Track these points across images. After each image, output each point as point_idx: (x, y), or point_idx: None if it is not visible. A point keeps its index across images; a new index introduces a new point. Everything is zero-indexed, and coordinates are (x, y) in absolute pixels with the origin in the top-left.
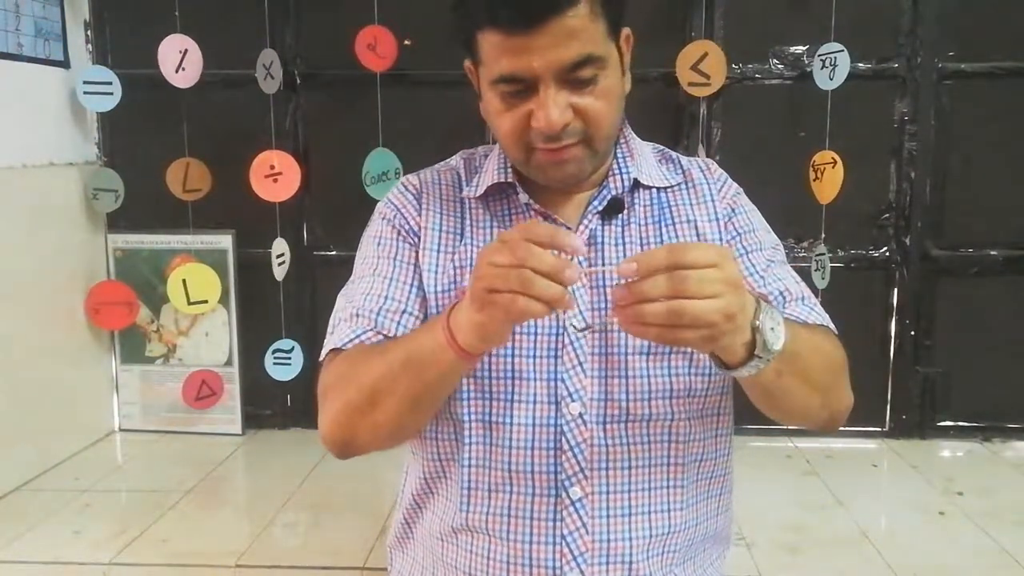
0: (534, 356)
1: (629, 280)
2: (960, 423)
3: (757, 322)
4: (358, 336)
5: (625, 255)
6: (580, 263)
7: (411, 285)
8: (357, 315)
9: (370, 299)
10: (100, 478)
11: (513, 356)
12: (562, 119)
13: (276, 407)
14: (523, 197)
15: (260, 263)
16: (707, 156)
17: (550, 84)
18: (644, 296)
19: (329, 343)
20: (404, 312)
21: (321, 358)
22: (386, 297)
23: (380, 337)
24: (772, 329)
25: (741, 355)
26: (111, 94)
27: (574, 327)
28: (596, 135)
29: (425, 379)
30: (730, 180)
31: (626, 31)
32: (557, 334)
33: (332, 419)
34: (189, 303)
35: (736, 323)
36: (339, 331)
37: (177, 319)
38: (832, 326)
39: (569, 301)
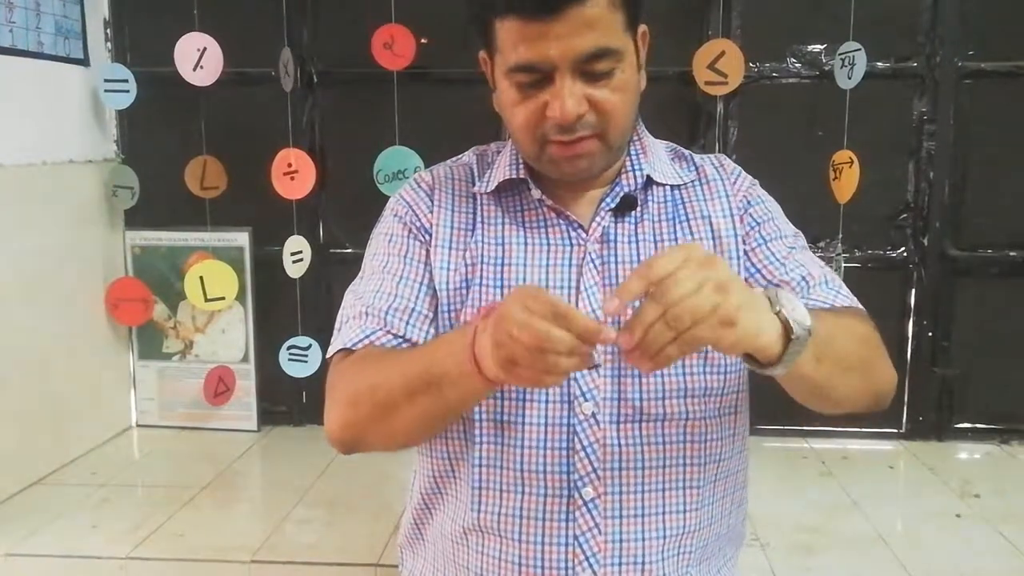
0: None
1: (619, 318)
2: (977, 425)
3: (778, 307)
4: (367, 336)
5: (638, 252)
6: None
7: (421, 283)
8: (366, 313)
9: (380, 297)
10: (117, 473)
11: None
12: (577, 109)
13: (291, 404)
14: (536, 193)
15: (277, 260)
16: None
17: (566, 74)
18: (643, 323)
19: (337, 341)
20: (414, 311)
21: (329, 355)
22: (396, 295)
23: (390, 336)
24: (795, 308)
25: (778, 347)
26: (127, 91)
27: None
28: (610, 129)
29: (447, 400)
30: (744, 173)
31: (643, 28)
32: None
33: (342, 420)
34: (206, 300)
35: (735, 294)
36: (348, 329)
37: (194, 316)
38: (860, 306)
39: (594, 360)
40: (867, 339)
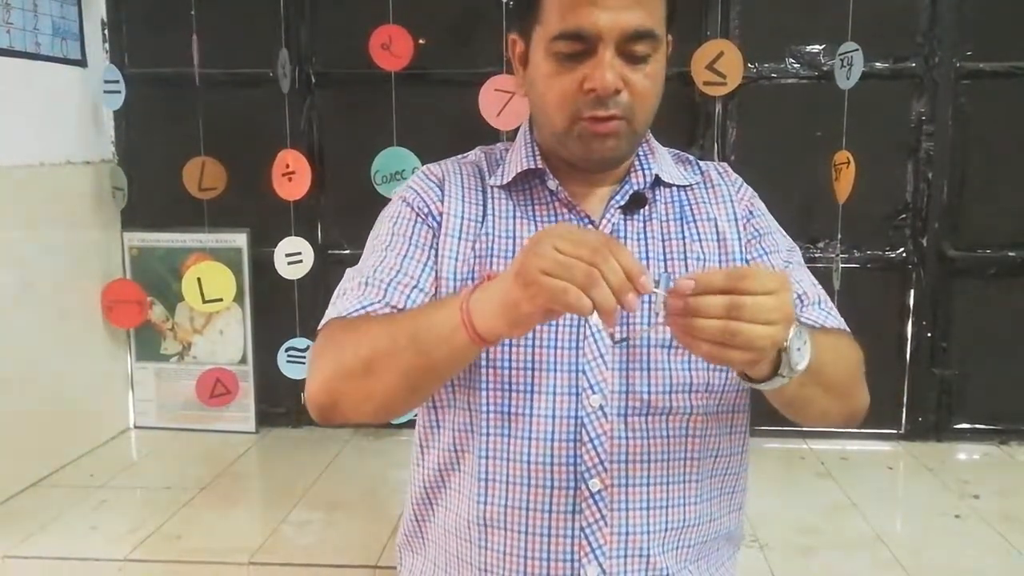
0: (555, 347)
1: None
2: (977, 425)
3: (786, 343)
4: (364, 307)
5: (647, 249)
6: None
7: (425, 264)
8: (366, 284)
9: (382, 271)
10: (115, 475)
11: (534, 347)
12: (615, 83)
13: (290, 405)
14: (552, 184)
15: (275, 262)
16: (722, 156)
17: (609, 46)
18: (700, 313)
19: (332, 311)
20: (415, 288)
21: (320, 326)
22: (399, 270)
23: (388, 309)
24: (799, 349)
25: (765, 372)
26: (119, 92)
27: (611, 337)
28: (639, 113)
29: (431, 357)
30: (745, 184)
31: (669, 35)
32: (578, 325)
33: (322, 381)
34: (204, 301)
35: (775, 352)
36: (345, 300)
37: (192, 317)
38: (847, 328)
39: (616, 316)
40: (851, 367)
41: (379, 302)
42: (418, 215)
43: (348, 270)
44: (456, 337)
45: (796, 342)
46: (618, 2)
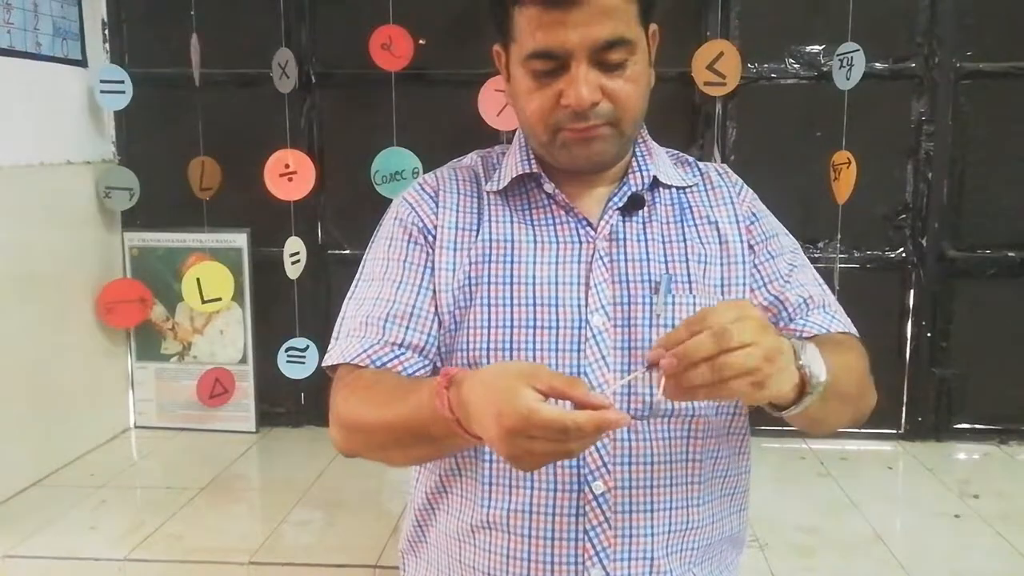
0: (557, 350)
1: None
2: (976, 425)
3: (801, 361)
4: (366, 351)
5: (647, 251)
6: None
7: (420, 286)
8: (366, 323)
9: (379, 304)
10: (116, 474)
11: (535, 351)
12: (592, 97)
13: (290, 405)
14: (548, 187)
15: (275, 262)
16: (722, 156)
17: (582, 61)
18: (692, 358)
19: (335, 351)
20: (412, 315)
21: (328, 363)
22: (394, 301)
23: (388, 348)
24: (814, 361)
25: (791, 396)
26: (123, 92)
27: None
28: (624, 117)
29: (444, 448)
30: (746, 185)
31: (653, 27)
32: (580, 328)
33: (342, 441)
34: (203, 301)
35: (778, 364)
36: (348, 342)
37: (192, 317)
38: (853, 330)
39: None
40: (860, 373)
41: (379, 342)
42: (410, 235)
43: (348, 299)
44: (469, 443)
45: (808, 354)
46: (585, 17)
